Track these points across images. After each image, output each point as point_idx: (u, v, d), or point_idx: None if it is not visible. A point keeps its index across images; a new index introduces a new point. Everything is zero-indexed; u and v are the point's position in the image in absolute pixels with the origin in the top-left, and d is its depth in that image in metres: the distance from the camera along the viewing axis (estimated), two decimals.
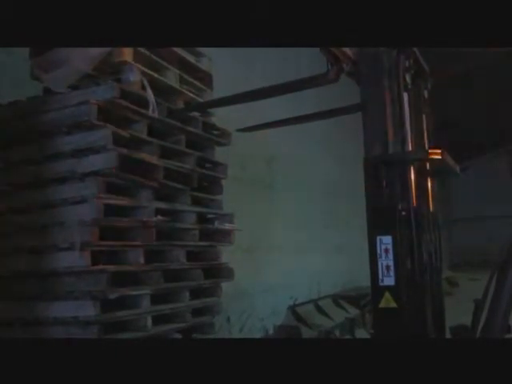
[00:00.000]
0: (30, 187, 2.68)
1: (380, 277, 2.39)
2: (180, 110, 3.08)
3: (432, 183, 2.74)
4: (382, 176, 2.42)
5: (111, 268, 2.50)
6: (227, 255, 3.47)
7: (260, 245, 5.68)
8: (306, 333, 5.62)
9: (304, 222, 7.03)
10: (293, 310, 6.05)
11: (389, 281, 2.37)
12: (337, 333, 6.05)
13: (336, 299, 7.16)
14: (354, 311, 6.90)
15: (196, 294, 3.12)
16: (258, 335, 5.50)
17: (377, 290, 2.40)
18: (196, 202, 3.18)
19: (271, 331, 5.73)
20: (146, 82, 2.76)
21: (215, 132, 3.42)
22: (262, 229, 5.74)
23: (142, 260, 2.65)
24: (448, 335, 2.49)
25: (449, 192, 17.68)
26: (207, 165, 3.39)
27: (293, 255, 6.51)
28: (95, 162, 2.52)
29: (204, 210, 3.28)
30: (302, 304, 6.30)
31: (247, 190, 5.41)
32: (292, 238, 6.58)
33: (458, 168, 2.75)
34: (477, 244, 16.48)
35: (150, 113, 2.75)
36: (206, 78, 3.41)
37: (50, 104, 2.68)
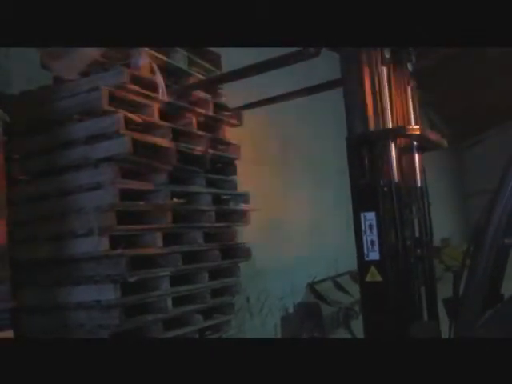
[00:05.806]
0: (46, 175, 2.71)
1: (365, 252, 2.43)
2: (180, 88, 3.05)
3: (420, 158, 2.72)
4: (363, 153, 2.44)
5: (130, 252, 2.53)
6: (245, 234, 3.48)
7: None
8: (326, 309, 5.65)
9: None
10: (311, 287, 6.07)
11: (374, 255, 2.43)
12: (356, 309, 6.07)
13: (354, 276, 7.16)
14: None
15: (215, 274, 3.15)
16: (277, 313, 5.55)
17: (363, 264, 2.46)
18: (211, 183, 3.20)
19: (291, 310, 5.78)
20: (154, 66, 2.76)
21: (226, 113, 3.41)
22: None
23: (159, 243, 2.68)
24: (440, 306, 2.49)
25: (466, 165, 17.33)
26: (220, 146, 3.39)
27: (309, 233, 6.51)
28: (108, 147, 2.54)
29: (219, 191, 3.29)
30: (321, 281, 6.32)
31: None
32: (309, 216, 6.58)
33: (445, 142, 2.76)
34: None
35: (159, 96, 2.75)
36: (215, 59, 3.39)
37: (61, 92, 2.70)
